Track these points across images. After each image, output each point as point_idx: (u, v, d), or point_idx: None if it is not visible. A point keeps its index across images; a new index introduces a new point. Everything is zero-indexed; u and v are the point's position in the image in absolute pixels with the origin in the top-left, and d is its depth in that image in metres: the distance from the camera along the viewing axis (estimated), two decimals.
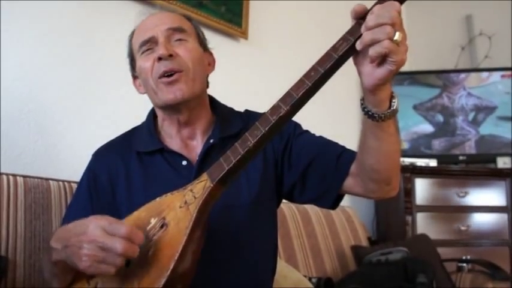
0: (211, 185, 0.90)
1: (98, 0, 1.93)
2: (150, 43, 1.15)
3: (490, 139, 3.11)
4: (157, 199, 0.99)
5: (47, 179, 1.51)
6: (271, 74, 2.63)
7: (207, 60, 1.23)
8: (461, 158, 3.09)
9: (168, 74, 1.12)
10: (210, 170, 0.93)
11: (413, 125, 3.16)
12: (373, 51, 0.79)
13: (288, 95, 0.86)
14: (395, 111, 0.88)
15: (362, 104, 0.89)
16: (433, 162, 2.98)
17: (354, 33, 0.83)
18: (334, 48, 0.83)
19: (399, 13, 0.79)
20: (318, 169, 1.12)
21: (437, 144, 3.15)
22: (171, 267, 0.84)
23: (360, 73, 0.86)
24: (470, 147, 3.11)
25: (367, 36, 0.79)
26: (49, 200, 1.46)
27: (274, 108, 0.87)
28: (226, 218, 1.08)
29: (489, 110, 3.14)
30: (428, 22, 3.56)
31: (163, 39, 1.14)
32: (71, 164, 1.74)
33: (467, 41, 3.47)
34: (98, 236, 0.85)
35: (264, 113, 0.89)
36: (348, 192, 1.11)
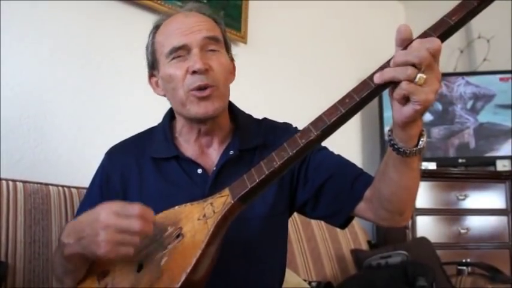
0: (232, 202, 0.89)
1: (98, 3, 1.93)
2: (182, 50, 1.10)
3: (488, 127, 3.10)
4: (176, 207, 0.98)
5: (47, 185, 1.52)
6: (270, 79, 2.64)
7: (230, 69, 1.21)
8: (460, 161, 3.09)
9: (201, 87, 1.08)
10: (232, 186, 0.92)
11: None
12: (394, 92, 0.78)
13: (319, 119, 0.84)
14: (422, 150, 0.87)
15: (389, 136, 0.88)
16: (432, 165, 2.98)
17: None
18: (372, 76, 0.81)
19: (437, 51, 0.77)
20: (332, 188, 1.11)
21: (437, 132, 3.15)
22: (182, 279, 0.84)
23: (391, 106, 0.84)
24: (469, 135, 3.11)
25: (388, 73, 0.78)
26: (49, 206, 1.46)
27: (304, 132, 0.85)
28: (238, 230, 1.06)
29: (487, 98, 3.13)
30: (426, 25, 3.56)
31: (198, 49, 1.09)
32: (70, 170, 1.75)
33: (466, 44, 3.47)
34: (112, 220, 0.86)
35: (291, 132, 0.87)
36: (359, 216, 1.10)
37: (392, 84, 0.79)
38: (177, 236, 0.92)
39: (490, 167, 3.06)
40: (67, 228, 1.00)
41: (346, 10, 3.15)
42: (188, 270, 0.84)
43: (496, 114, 3.10)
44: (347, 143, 3.05)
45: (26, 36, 1.73)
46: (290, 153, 0.85)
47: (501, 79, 3.13)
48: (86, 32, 1.90)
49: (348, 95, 0.83)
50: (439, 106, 3.18)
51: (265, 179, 0.87)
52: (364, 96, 0.81)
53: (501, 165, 2.99)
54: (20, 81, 1.70)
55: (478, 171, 3.05)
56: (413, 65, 0.77)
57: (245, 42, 2.48)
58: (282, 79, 2.70)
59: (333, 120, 0.83)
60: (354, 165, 1.15)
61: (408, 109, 0.79)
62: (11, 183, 1.43)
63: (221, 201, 0.91)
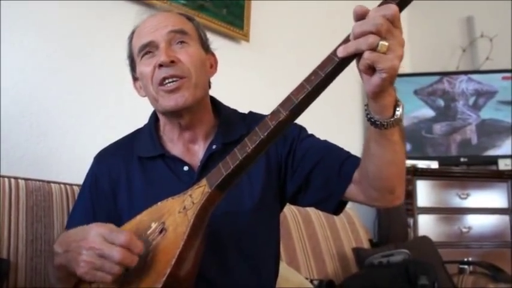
0: (209, 191, 0.90)
1: (98, 2, 1.93)
2: (150, 47, 1.12)
3: (490, 123, 3.11)
4: (159, 203, 0.99)
5: (49, 182, 1.51)
6: (273, 76, 2.63)
7: (209, 63, 1.20)
8: (462, 159, 3.09)
9: (169, 80, 1.09)
10: (209, 175, 0.92)
11: (414, 110, 3.16)
12: (359, 63, 0.77)
13: (287, 99, 0.84)
14: (398, 120, 0.85)
15: (366, 110, 0.87)
16: (434, 164, 2.97)
17: None
18: (336, 51, 0.80)
19: (394, 16, 0.75)
20: (321, 174, 1.11)
21: (439, 128, 3.16)
22: (167, 272, 0.84)
23: (361, 78, 0.83)
24: (471, 132, 3.12)
25: (352, 46, 0.77)
26: (50, 203, 1.46)
27: (274, 113, 0.85)
28: (228, 224, 1.07)
29: (489, 94, 3.14)
30: (429, 24, 3.56)
31: (164, 43, 1.11)
32: (72, 167, 1.75)
33: (468, 43, 3.47)
34: (97, 243, 0.86)
35: (264, 118, 0.88)
36: (350, 199, 1.10)
37: (357, 56, 0.78)
38: (160, 231, 0.93)
39: (492, 166, 3.07)
40: (60, 238, 1.02)
41: (349, 9, 3.14)
42: (172, 263, 0.85)
43: (498, 111, 3.11)
44: (349, 138, 3.05)
45: (27, 34, 1.73)
46: (262, 136, 0.85)
47: (504, 78, 3.13)
48: (87, 30, 1.90)
49: (314, 72, 0.82)
50: (441, 102, 3.19)
51: (240, 165, 0.87)
52: (329, 71, 0.80)
53: (503, 164, 3.00)
54: (21, 78, 1.70)
55: (480, 170, 3.06)
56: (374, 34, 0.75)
57: (247, 41, 2.48)
58: (285, 77, 2.68)
59: (300, 98, 0.82)
60: (341, 148, 1.14)
61: (376, 79, 0.78)
62: (13, 180, 1.42)
63: (199, 192, 0.92)
